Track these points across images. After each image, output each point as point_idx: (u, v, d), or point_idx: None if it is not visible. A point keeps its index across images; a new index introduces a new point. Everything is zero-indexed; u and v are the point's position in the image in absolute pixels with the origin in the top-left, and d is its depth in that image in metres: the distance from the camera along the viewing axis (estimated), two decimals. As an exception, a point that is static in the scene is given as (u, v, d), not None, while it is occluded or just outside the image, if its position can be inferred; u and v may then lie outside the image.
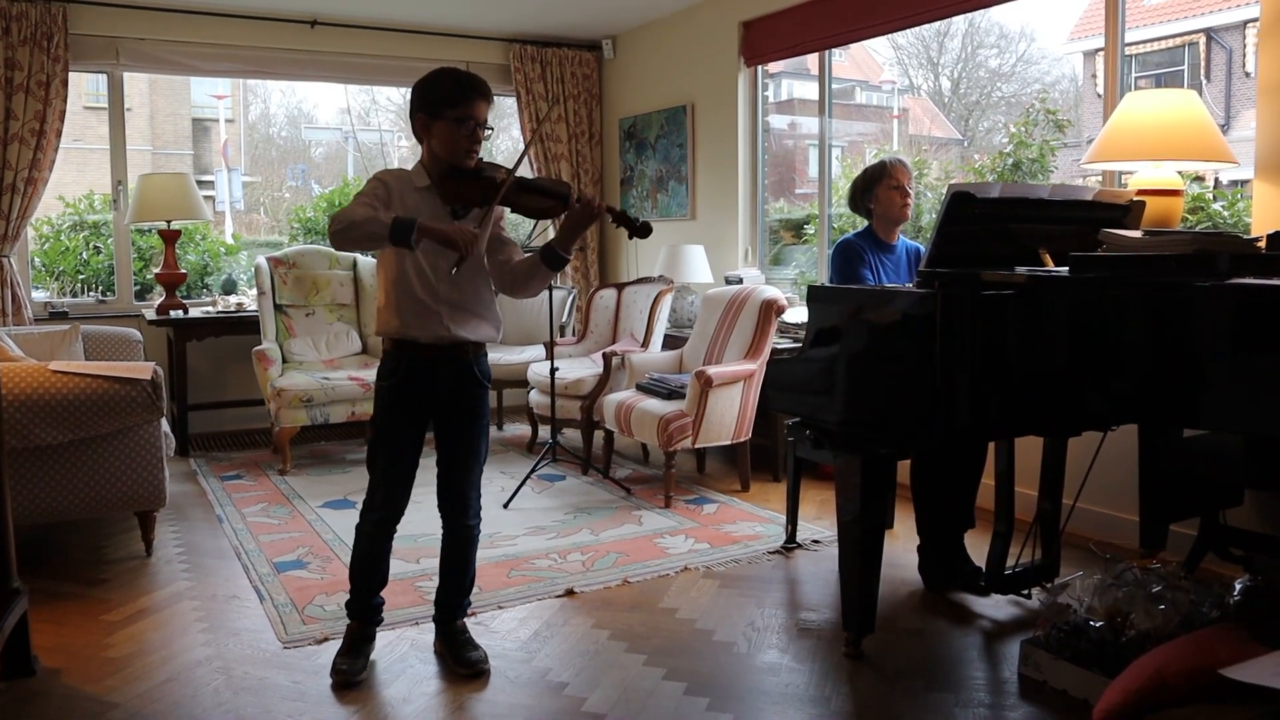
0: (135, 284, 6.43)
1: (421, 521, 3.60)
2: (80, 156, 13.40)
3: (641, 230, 2.76)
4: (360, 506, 2.91)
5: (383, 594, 2.96)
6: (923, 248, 3.88)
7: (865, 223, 3.88)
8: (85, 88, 13.52)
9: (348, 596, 2.93)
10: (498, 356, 6.02)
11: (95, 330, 5.04)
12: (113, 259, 6.36)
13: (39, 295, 6.36)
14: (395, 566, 3.65)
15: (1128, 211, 3.10)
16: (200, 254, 7.23)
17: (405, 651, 3.00)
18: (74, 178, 11.88)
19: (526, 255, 2.86)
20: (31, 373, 3.53)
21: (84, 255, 6.98)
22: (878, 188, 3.76)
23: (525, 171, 6.82)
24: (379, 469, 2.85)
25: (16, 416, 3.43)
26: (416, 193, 2.73)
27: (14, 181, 5.47)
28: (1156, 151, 3.35)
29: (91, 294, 6.72)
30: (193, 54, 6.12)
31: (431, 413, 2.85)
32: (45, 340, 4.68)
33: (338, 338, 5.87)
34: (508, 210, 2.84)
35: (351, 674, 2.78)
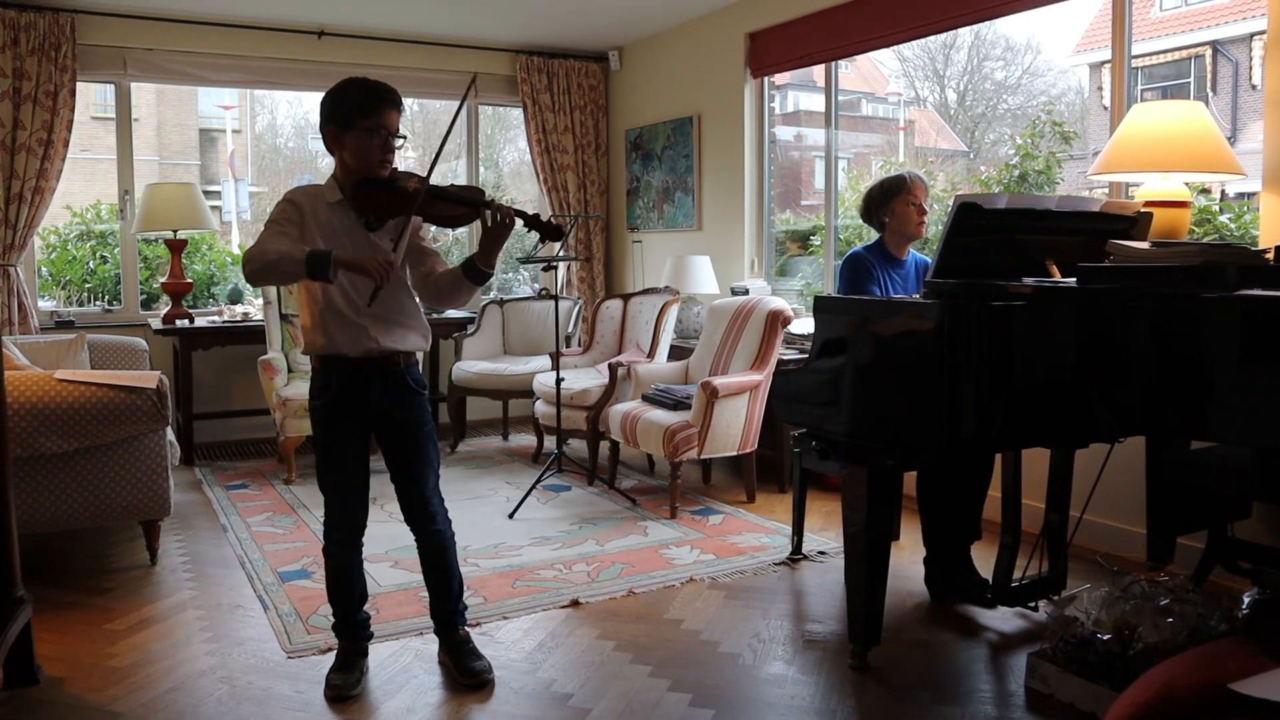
0: (141, 293, 6.45)
1: (426, 531, 3.59)
2: (88, 167, 13.46)
3: (553, 233, 2.74)
4: (322, 529, 2.90)
5: (379, 606, 2.95)
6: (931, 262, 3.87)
7: (875, 235, 3.85)
8: (94, 98, 13.59)
9: (331, 619, 2.92)
10: (504, 367, 6.02)
11: (101, 339, 5.05)
12: (119, 268, 6.38)
13: (46, 304, 6.38)
14: (398, 577, 3.66)
15: (1135, 223, 3.10)
16: (206, 264, 7.25)
17: (409, 662, 2.99)
18: (81, 188, 11.92)
19: (449, 267, 2.84)
20: (37, 381, 3.53)
21: (91, 265, 7.01)
22: (895, 201, 3.71)
23: (531, 187, 6.76)
24: (330, 488, 2.84)
25: (22, 425, 3.43)
26: (329, 208, 2.70)
27: (21, 191, 5.49)
28: (1163, 163, 3.34)
29: (98, 303, 6.74)
30: (200, 64, 6.15)
31: (371, 427, 2.84)
32: (51, 349, 4.69)
33: (343, 347, 5.87)
34: (424, 221, 2.80)
35: (345, 689, 2.77)
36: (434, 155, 2.75)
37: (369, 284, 2.56)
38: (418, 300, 2.87)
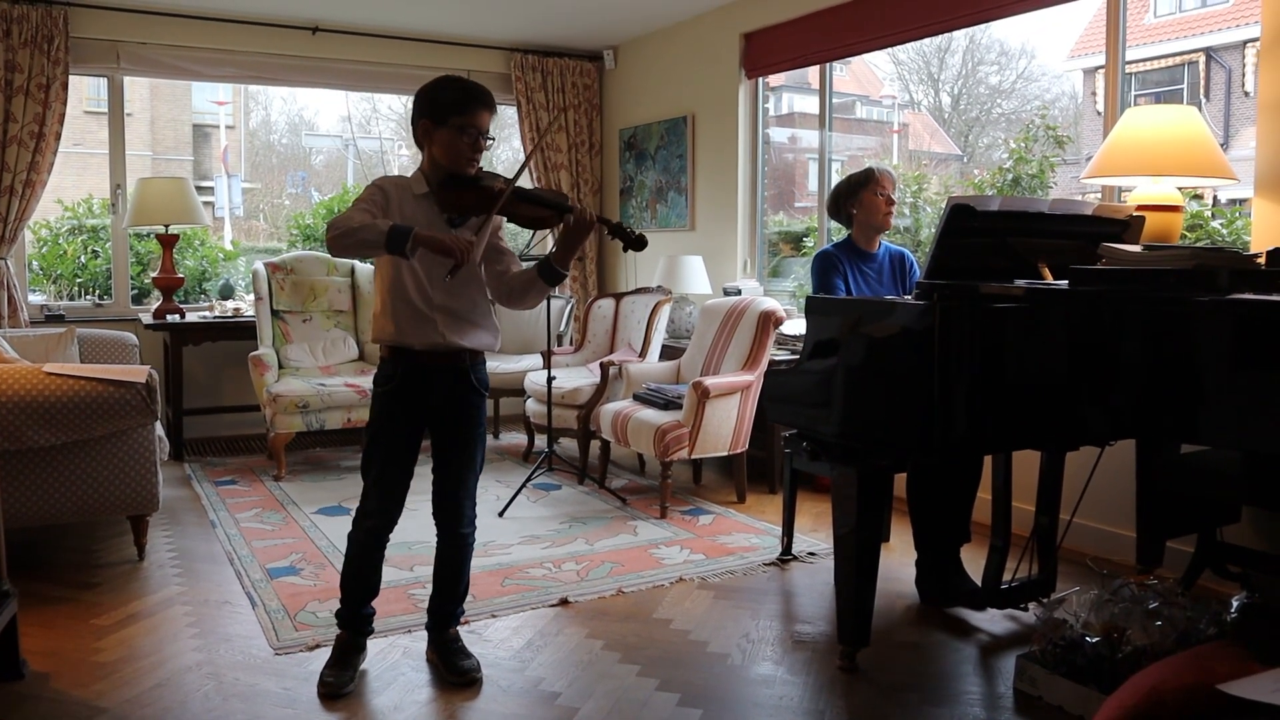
0: (132, 288, 6.42)
1: (415, 529, 3.58)
2: (80, 161, 13.41)
3: (637, 243, 2.73)
4: (353, 513, 2.89)
5: (374, 604, 2.94)
6: (906, 252, 3.88)
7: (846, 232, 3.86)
8: (86, 92, 13.53)
9: (338, 606, 2.91)
10: (495, 365, 6.00)
11: (91, 334, 5.03)
12: (110, 263, 6.35)
13: (36, 298, 6.34)
14: (388, 574, 3.63)
15: (1127, 227, 3.10)
16: (198, 259, 7.22)
17: (397, 659, 2.98)
18: (74, 182, 11.88)
19: (524, 268, 2.85)
20: (25, 374, 3.51)
21: (82, 259, 6.97)
22: (863, 192, 3.71)
23: (525, 181, 6.78)
24: (373, 476, 2.83)
25: (9, 418, 3.41)
26: (414, 200, 2.71)
27: (12, 184, 5.46)
28: (1156, 167, 3.35)
29: (88, 298, 6.71)
30: (194, 59, 6.13)
31: (427, 420, 2.84)
32: (41, 343, 4.67)
33: (334, 344, 5.86)
34: (505, 220, 2.83)
35: (339, 685, 2.76)
36: (523, 160, 2.77)
37: (444, 268, 2.56)
38: (490, 300, 2.87)
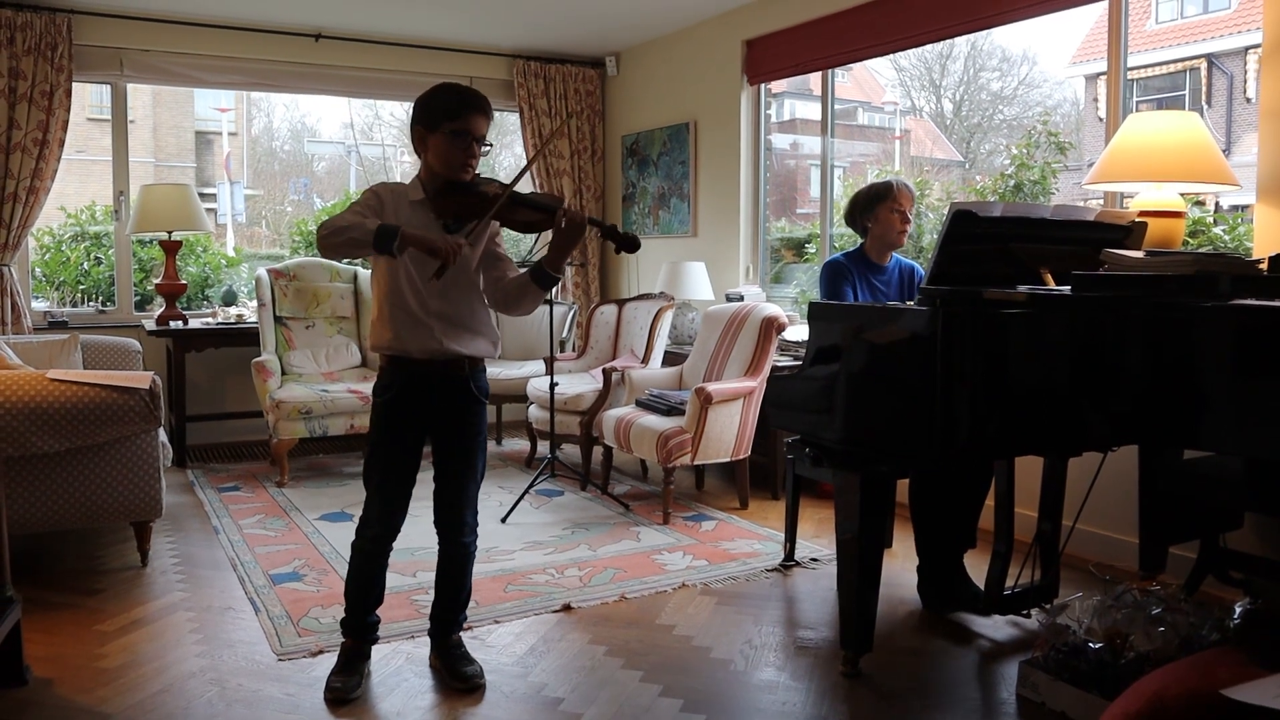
0: (135, 295, 6.43)
1: (418, 535, 3.58)
2: (83, 168, 13.46)
3: (628, 244, 2.71)
4: (357, 521, 2.89)
5: (379, 611, 2.94)
6: (917, 265, 3.90)
7: (860, 241, 3.88)
8: (89, 99, 13.59)
9: (343, 614, 2.91)
10: (497, 371, 6.01)
11: (94, 340, 5.04)
12: (113, 269, 6.36)
13: (39, 305, 6.36)
14: (392, 580, 3.62)
15: (1129, 233, 3.10)
16: (201, 266, 7.24)
17: (400, 665, 2.98)
18: (76, 189, 11.92)
19: (519, 273, 2.83)
20: (29, 380, 3.52)
21: (85, 266, 6.99)
22: (879, 207, 3.74)
23: (525, 186, 6.78)
24: (374, 485, 2.83)
25: (13, 424, 3.42)
26: (410, 206, 2.72)
27: (16, 190, 5.47)
28: (1158, 173, 3.35)
29: (91, 304, 6.72)
30: (197, 66, 6.14)
31: (428, 428, 2.84)
32: (44, 349, 4.68)
33: (337, 350, 5.87)
34: (500, 226, 2.82)
35: (346, 691, 2.76)
36: (524, 166, 2.77)
37: (434, 269, 2.55)
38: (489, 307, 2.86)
